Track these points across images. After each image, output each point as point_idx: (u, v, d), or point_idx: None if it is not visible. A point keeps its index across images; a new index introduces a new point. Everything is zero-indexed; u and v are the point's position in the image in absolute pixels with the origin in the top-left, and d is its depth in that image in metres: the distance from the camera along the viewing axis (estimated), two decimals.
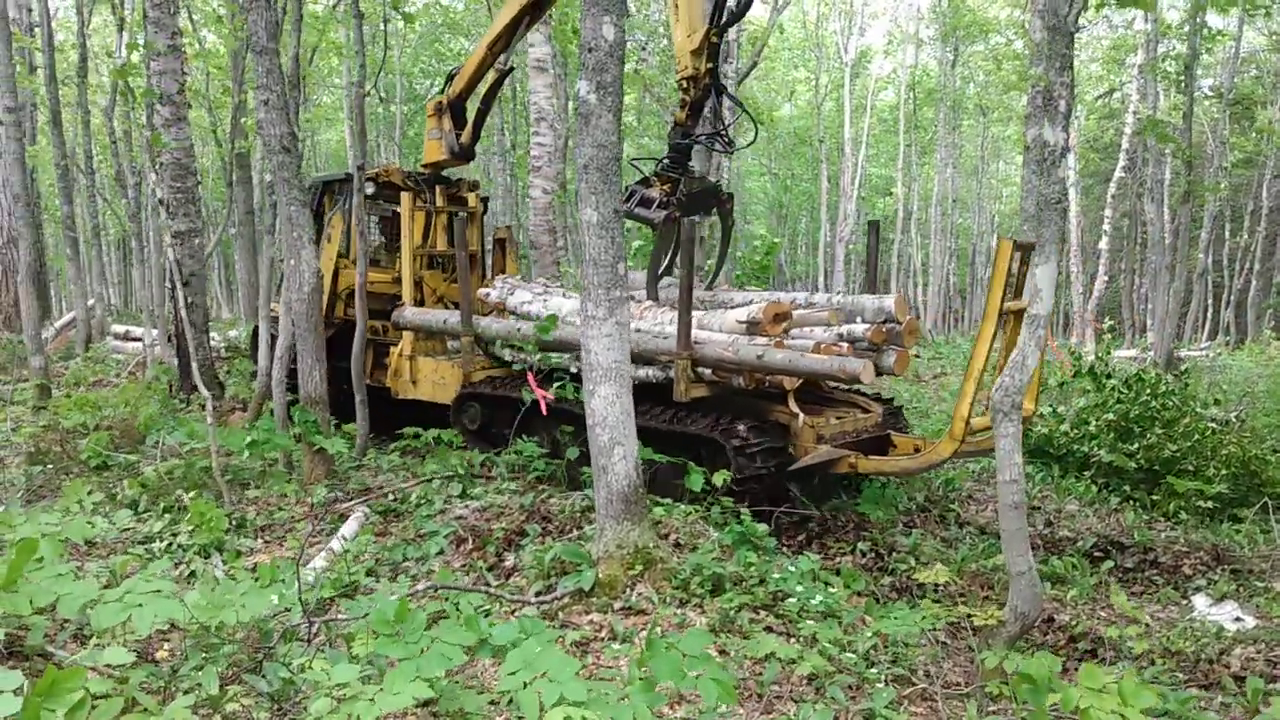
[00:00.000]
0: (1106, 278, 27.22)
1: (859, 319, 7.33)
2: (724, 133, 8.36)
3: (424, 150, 10.11)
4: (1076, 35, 4.64)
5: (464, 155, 9.83)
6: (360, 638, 4.10)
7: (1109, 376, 10.02)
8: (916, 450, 7.35)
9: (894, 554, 6.79)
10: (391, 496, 6.95)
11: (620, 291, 5.31)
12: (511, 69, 9.37)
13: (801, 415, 7.07)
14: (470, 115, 9.90)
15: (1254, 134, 30.45)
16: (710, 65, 7.48)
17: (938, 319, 41.24)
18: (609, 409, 5.30)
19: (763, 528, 6.06)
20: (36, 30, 16.31)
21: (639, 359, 7.45)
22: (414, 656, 3.31)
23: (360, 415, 8.48)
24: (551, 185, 14.22)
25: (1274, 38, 28.88)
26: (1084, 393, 10.46)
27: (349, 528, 6.48)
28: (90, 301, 16.59)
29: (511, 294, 9.16)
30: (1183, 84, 18.30)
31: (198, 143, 29.69)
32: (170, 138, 10.44)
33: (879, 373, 7.26)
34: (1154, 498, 8.36)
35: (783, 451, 7.02)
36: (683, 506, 6.49)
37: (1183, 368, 14.74)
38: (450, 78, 9.77)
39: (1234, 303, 34.66)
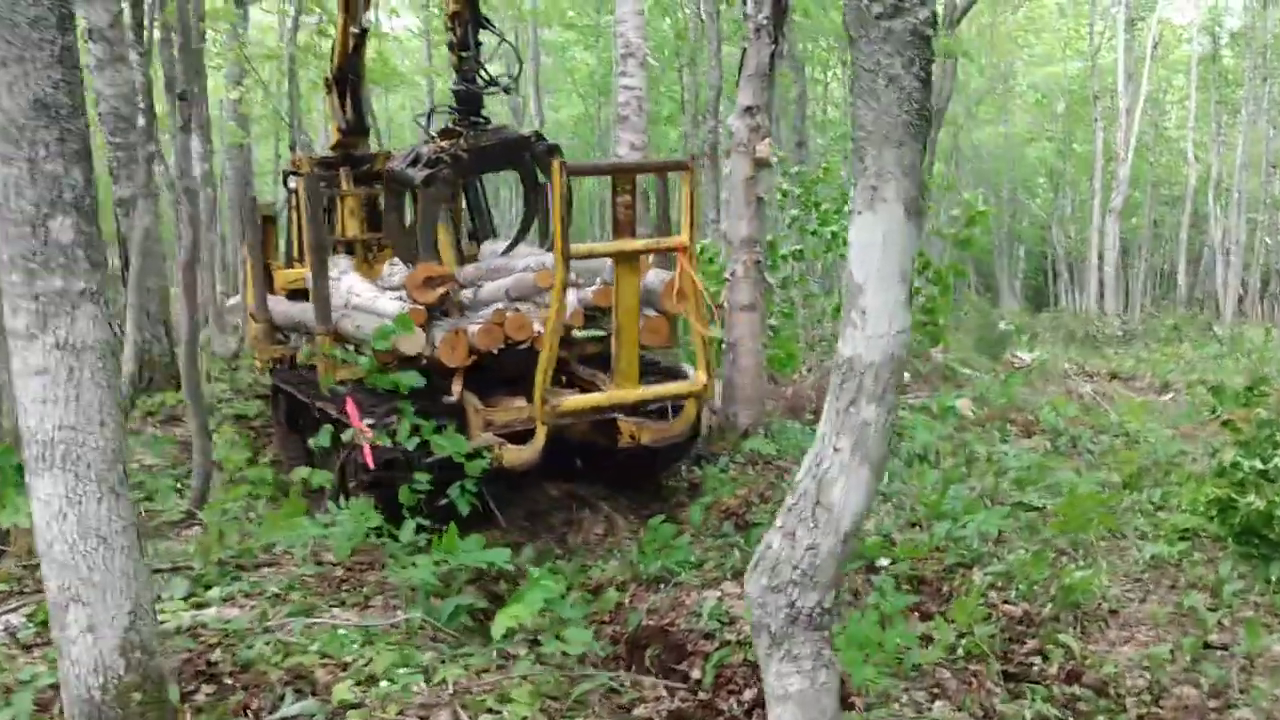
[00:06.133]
0: None
1: (599, 280, 6.30)
2: (483, 73, 7.33)
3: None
4: None
5: (354, 130, 9.04)
6: None
7: None
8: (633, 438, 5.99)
9: None
10: None
11: (83, 282, 2.46)
12: (366, 29, 8.63)
13: (466, 397, 5.94)
14: None
15: None
16: None
17: (1247, 302, 33.64)
18: (55, 527, 2.49)
19: None
20: None
21: None
22: None
23: (198, 446, 6.14)
24: (642, 139, 11.28)
25: None
26: None
27: None
28: None
29: None
30: None
31: None
32: (104, 83, 8.51)
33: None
34: None
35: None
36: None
37: None
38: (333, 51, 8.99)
39: None
